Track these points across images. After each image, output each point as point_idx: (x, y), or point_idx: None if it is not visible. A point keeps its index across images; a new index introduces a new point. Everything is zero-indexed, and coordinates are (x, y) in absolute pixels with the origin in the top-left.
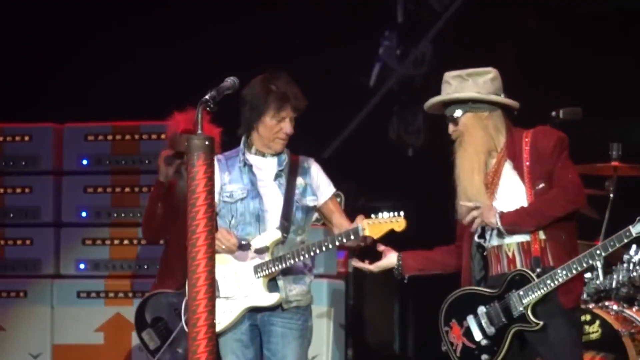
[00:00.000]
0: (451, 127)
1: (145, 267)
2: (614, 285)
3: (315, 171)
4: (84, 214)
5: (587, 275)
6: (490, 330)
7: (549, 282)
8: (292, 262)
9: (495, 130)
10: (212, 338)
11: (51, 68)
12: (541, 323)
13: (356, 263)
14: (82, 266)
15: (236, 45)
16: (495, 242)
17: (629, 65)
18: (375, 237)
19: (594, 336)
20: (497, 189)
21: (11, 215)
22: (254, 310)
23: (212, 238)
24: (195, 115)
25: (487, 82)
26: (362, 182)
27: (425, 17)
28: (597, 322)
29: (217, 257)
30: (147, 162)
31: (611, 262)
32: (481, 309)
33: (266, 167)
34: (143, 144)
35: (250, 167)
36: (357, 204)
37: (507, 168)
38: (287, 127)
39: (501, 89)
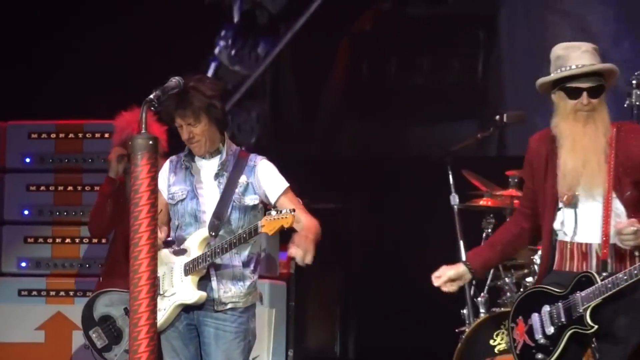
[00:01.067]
0: (586, 99)
1: (87, 266)
2: None
3: (262, 170)
4: (26, 212)
5: (529, 279)
6: (549, 330)
7: (610, 286)
8: (210, 260)
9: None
10: (153, 338)
11: None
12: (595, 327)
13: (437, 282)
14: (23, 264)
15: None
16: (580, 239)
17: None
18: (270, 233)
19: None
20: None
21: None
22: (188, 310)
23: (154, 237)
24: (140, 115)
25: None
26: None
27: (260, 18)
28: None
29: (160, 254)
30: (90, 160)
31: None
32: (545, 308)
33: (207, 168)
34: (87, 143)
35: (189, 168)
36: None
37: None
38: (183, 133)
39: None
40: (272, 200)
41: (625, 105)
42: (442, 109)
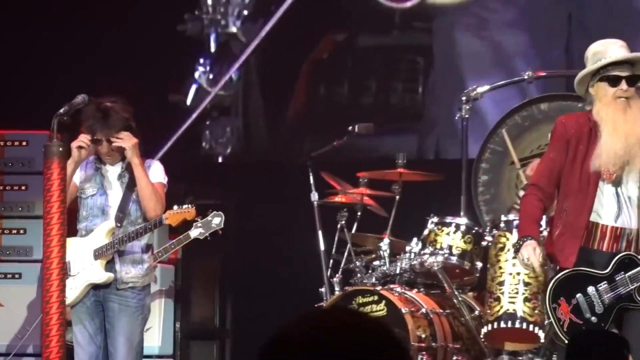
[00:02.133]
0: (625, 86)
1: (8, 252)
2: (397, 271)
3: (154, 169)
4: None
5: (376, 262)
6: (600, 308)
7: None
8: (117, 247)
9: None
10: (62, 313)
11: None
12: None
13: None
14: None
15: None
16: (615, 223)
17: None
18: (173, 224)
19: (379, 314)
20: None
21: None
22: (96, 288)
23: (64, 229)
24: (51, 126)
25: None
26: (188, 183)
27: (234, 47)
28: (383, 301)
29: (71, 241)
30: (10, 165)
31: (395, 252)
32: (591, 289)
33: (113, 170)
34: (7, 150)
35: (99, 169)
36: (185, 201)
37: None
38: (103, 147)
39: None
40: None
41: (456, 118)
42: (388, 125)
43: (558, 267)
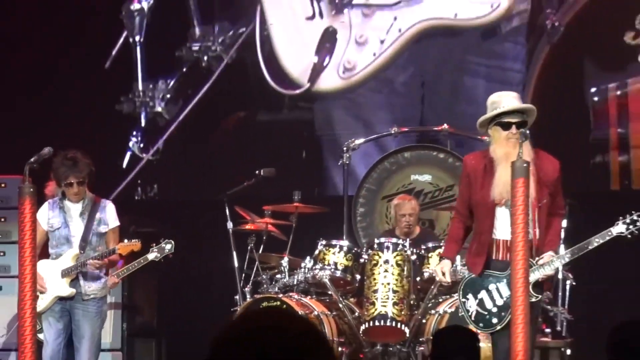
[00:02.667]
0: (515, 130)
1: None
2: (295, 282)
3: (109, 209)
4: None
5: (278, 276)
6: (500, 301)
7: (545, 268)
8: (80, 268)
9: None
10: (34, 318)
11: None
12: (540, 296)
13: (436, 275)
14: None
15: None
16: (505, 237)
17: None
18: (123, 253)
19: None
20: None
21: None
22: (62, 300)
23: (34, 255)
24: (24, 172)
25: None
26: (130, 216)
27: (159, 122)
28: (284, 306)
29: (43, 263)
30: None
31: (293, 268)
32: (492, 285)
33: (75, 207)
34: None
35: (63, 208)
36: (130, 229)
37: None
38: (73, 188)
39: None
40: (105, 230)
41: (338, 164)
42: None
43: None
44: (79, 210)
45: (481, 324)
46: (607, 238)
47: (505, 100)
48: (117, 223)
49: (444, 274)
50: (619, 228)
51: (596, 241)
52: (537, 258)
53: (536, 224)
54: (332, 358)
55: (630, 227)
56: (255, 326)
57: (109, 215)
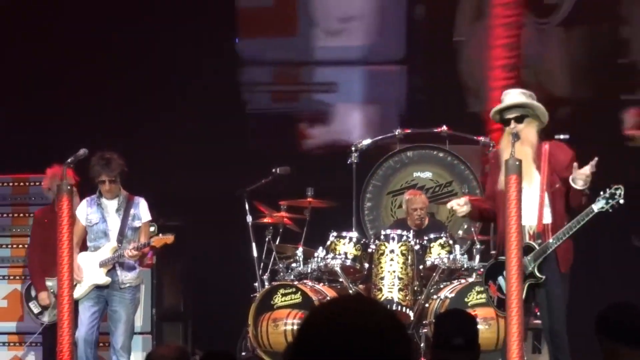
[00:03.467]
0: (512, 124)
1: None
2: (309, 271)
3: (142, 205)
4: None
5: (293, 265)
6: None
7: (545, 249)
8: (118, 259)
9: (535, 137)
10: (72, 303)
11: None
12: (544, 277)
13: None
14: None
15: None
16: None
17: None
18: (157, 246)
19: (296, 301)
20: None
21: None
22: (99, 288)
23: (71, 247)
24: (62, 171)
25: (540, 105)
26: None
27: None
28: (299, 292)
29: (83, 255)
30: (33, 199)
31: (307, 257)
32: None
33: (111, 204)
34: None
35: (100, 205)
36: (159, 221)
37: (534, 169)
38: (105, 185)
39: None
40: (139, 225)
41: (348, 162)
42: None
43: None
44: (115, 206)
45: (502, 309)
46: (590, 215)
47: (507, 98)
48: (149, 217)
49: (460, 205)
50: (600, 204)
51: (581, 219)
52: (539, 241)
53: (549, 208)
54: (410, 343)
55: (610, 201)
56: (341, 310)
57: (142, 211)
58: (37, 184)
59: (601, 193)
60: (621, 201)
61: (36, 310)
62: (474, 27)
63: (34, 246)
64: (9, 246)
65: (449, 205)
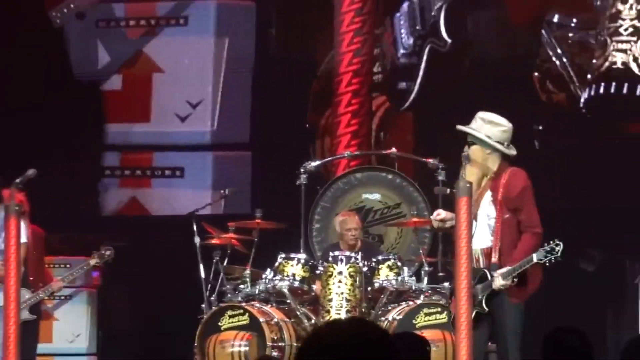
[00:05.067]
0: (466, 149)
1: None
2: (257, 292)
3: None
4: None
5: (241, 286)
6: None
7: (490, 284)
8: None
9: (491, 163)
10: (18, 326)
11: None
12: (487, 309)
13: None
14: None
15: None
16: (474, 246)
17: None
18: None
19: (244, 322)
20: (478, 205)
21: None
22: None
23: (19, 270)
24: (10, 192)
25: (498, 132)
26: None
27: None
28: (247, 314)
29: None
30: None
31: (255, 278)
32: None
33: None
34: None
35: None
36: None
37: (487, 195)
38: None
39: (507, 139)
40: None
41: (296, 184)
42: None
43: None
44: None
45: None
46: (530, 264)
47: (473, 120)
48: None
49: (439, 215)
50: (539, 255)
51: (523, 264)
52: (493, 272)
53: (498, 236)
54: None
55: (548, 255)
56: (339, 333)
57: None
58: None
59: (545, 244)
60: (559, 258)
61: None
62: None
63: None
64: None
65: (443, 216)
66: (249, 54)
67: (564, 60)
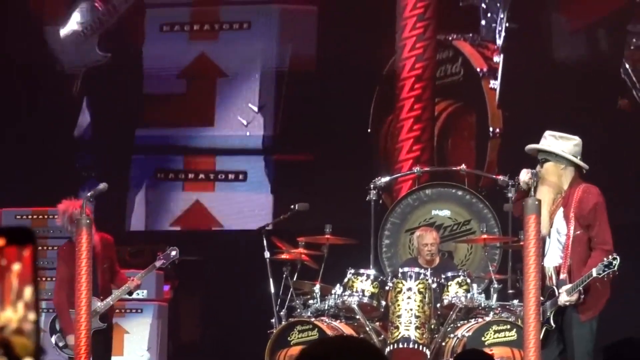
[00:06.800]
0: (538, 167)
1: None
2: (326, 307)
3: None
4: None
5: (311, 301)
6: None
7: (556, 301)
8: None
9: (564, 180)
10: (89, 336)
11: None
12: (554, 326)
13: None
14: None
15: None
16: (546, 263)
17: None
18: None
19: (313, 338)
20: (551, 222)
21: None
22: None
23: (89, 281)
24: (81, 206)
25: (571, 145)
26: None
27: None
28: (316, 329)
29: None
30: (51, 232)
31: (324, 294)
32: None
33: None
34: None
35: None
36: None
37: (559, 212)
38: None
39: (579, 153)
40: None
41: (366, 200)
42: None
43: None
44: None
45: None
46: (590, 278)
47: (542, 139)
48: None
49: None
50: (598, 269)
51: (584, 279)
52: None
53: (567, 252)
54: None
55: (606, 269)
56: (332, 348)
57: None
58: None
59: (604, 259)
60: (617, 271)
61: (60, 343)
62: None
63: (61, 283)
64: None
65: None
66: (311, 58)
67: (627, 66)
